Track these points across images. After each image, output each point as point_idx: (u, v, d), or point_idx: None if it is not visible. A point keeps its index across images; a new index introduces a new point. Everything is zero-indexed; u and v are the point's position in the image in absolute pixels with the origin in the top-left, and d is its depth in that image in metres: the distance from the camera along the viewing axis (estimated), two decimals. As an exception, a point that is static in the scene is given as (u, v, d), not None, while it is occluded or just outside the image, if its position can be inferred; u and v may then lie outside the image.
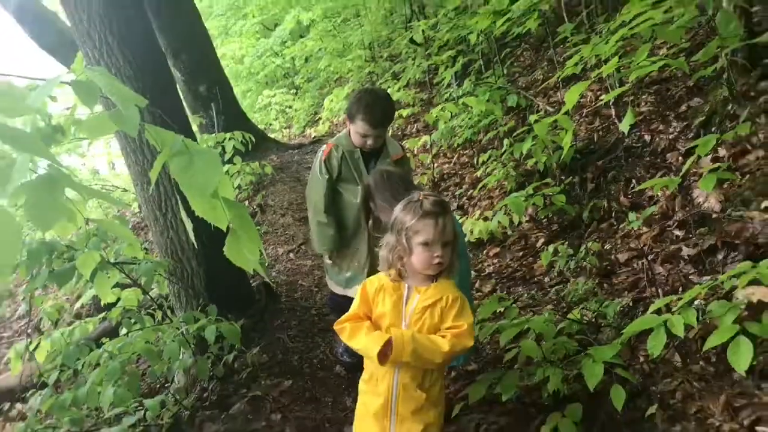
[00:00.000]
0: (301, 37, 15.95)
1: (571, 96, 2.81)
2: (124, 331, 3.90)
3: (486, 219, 5.02)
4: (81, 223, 1.85)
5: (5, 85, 1.42)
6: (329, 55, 12.65)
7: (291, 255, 5.70)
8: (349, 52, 12.57)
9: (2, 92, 1.34)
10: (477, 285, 4.53)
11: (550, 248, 4.15)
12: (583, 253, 3.99)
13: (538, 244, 4.69)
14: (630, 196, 4.40)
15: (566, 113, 3.85)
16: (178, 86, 10.68)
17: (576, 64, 3.83)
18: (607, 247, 4.10)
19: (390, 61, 11.22)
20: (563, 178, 5.09)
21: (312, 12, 13.47)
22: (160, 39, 9.37)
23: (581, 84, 3.18)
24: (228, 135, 8.20)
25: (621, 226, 4.23)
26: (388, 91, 8.39)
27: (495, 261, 4.78)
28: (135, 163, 4.01)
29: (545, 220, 4.85)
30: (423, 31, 9.30)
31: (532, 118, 5.18)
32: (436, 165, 7.12)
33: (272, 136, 14.64)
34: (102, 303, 4.98)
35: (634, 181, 4.47)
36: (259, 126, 16.16)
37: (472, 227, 4.91)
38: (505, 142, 5.86)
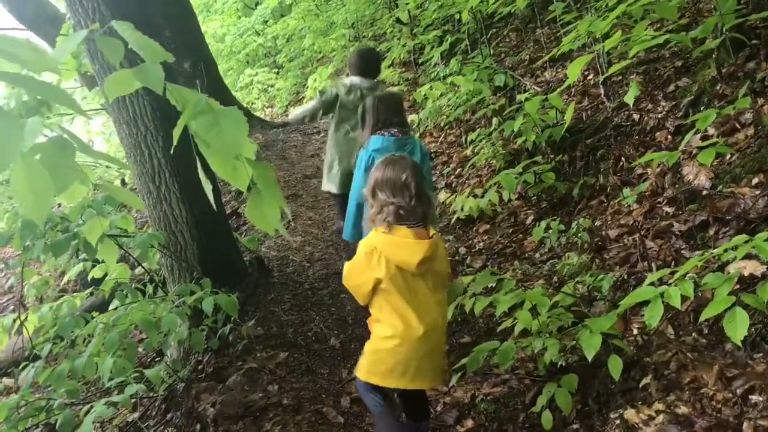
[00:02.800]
0: (283, 16, 15.80)
1: (573, 69, 2.82)
2: (114, 305, 3.87)
3: (476, 196, 5.03)
4: (91, 186, 1.83)
5: (26, 41, 1.39)
6: (313, 34, 12.55)
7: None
8: (333, 31, 12.47)
9: (25, 46, 1.31)
10: (468, 261, 4.56)
11: (542, 224, 4.17)
12: (574, 229, 4.02)
13: (528, 221, 4.72)
14: (620, 174, 4.44)
15: (567, 88, 3.84)
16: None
17: (573, 41, 3.84)
18: (598, 223, 4.13)
19: (374, 40, 11.16)
20: (552, 156, 5.12)
21: (295, -9, 13.34)
22: (147, 13, 9.25)
23: (583, 58, 3.19)
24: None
25: (611, 203, 4.26)
26: None
27: (485, 237, 4.81)
28: (129, 135, 3.95)
29: (535, 197, 4.88)
30: (409, 10, 9.25)
31: (522, 96, 5.20)
32: (423, 144, 7.10)
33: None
34: (89, 278, 4.96)
35: (623, 159, 4.51)
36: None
37: (463, 204, 4.92)
38: (494, 121, 5.87)
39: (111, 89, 1.47)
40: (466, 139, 6.38)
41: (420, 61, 9.35)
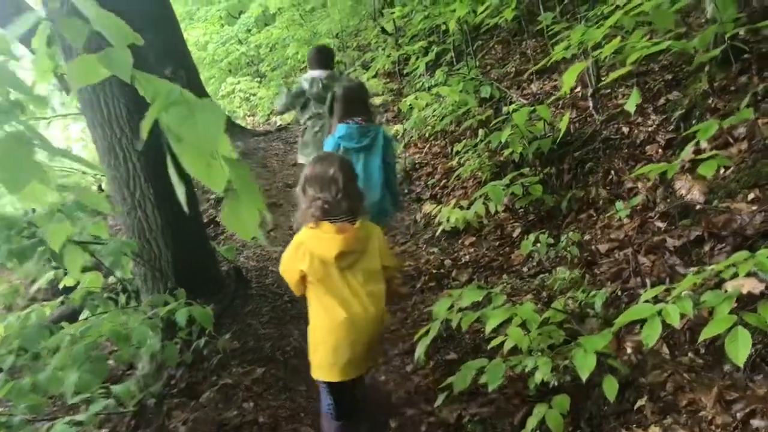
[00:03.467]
0: (267, 25, 15.68)
1: (568, 77, 2.69)
2: (84, 315, 3.67)
3: (461, 208, 4.90)
4: (54, 187, 1.67)
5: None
6: (297, 42, 12.41)
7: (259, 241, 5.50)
8: (317, 40, 12.35)
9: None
10: (453, 274, 4.42)
11: (530, 238, 4.05)
12: (563, 243, 3.89)
13: (515, 234, 4.60)
14: (609, 187, 4.34)
15: (556, 100, 3.72)
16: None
17: (565, 50, 3.73)
18: (587, 237, 4.01)
19: (359, 50, 11.05)
20: (540, 168, 5.01)
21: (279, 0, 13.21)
22: (122, 18, 8.99)
23: (578, 66, 3.07)
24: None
25: (601, 216, 4.15)
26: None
27: (471, 250, 4.68)
28: (103, 137, 3.77)
29: (522, 210, 4.76)
30: (394, 20, 9.15)
31: (510, 107, 5.09)
32: (407, 155, 6.98)
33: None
34: (60, 286, 4.74)
35: (612, 172, 4.40)
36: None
37: (449, 216, 4.79)
38: (480, 132, 5.76)
39: (75, 76, 1.31)
40: (451, 150, 6.26)
41: (405, 71, 9.25)
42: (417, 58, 8.69)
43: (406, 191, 6.24)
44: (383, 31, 9.41)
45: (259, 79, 15.31)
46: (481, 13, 5.40)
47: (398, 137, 7.04)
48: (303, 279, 2.71)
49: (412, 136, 7.29)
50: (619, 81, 5.24)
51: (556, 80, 6.08)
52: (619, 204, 3.83)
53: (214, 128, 1.27)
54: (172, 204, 3.90)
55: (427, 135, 7.16)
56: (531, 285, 3.91)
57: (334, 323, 2.65)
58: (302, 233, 2.70)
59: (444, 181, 6.00)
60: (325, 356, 2.72)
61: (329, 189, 2.64)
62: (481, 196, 4.64)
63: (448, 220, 4.82)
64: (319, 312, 2.71)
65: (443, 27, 7.94)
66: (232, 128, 9.63)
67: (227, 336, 3.74)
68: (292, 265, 2.71)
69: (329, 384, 2.80)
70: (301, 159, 5.64)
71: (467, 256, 4.60)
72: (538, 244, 4.07)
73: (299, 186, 2.77)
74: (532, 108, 4.75)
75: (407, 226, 5.46)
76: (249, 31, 16.47)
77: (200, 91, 9.38)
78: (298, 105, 5.55)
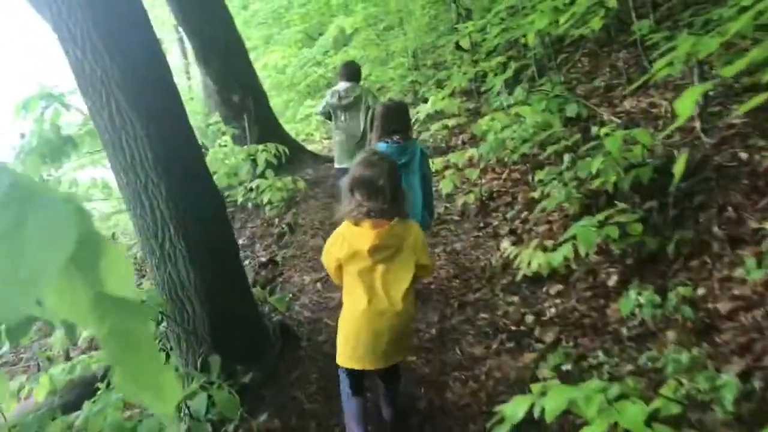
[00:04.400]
0: (345, 45, 15.33)
1: (685, 103, 2.01)
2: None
3: (545, 249, 4.18)
4: None
5: None
6: (370, 63, 11.94)
7: (318, 285, 4.93)
8: (391, 59, 11.83)
9: None
10: (536, 332, 3.69)
11: (631, 294, 3.28)
12: (673, 301, 3.12)
13: (611, 283, 3.83)
14: (726, 228, 3.53)
15: (653, 119, 2.97)
16: (209, 96, 10.19)
17: (670, 64, 2.97)
18: (701, 292, 3.22)
19: (434, 68, 10.44)
20: (638, 201, 4.23)
21: (354, 18, 12.77)
22: (191, 43, 8.83)
23: (696, 88, 2.35)
24: (260, 147, 7.52)
25: (717, 265, 3.35)
26: (431, 99, 7.64)
27: (557, 301, 3.93)
28: (127, 184, 3.29)
29: (618, 252, 3.99)
30: (470, 35, 8.47)
31: (601, 131, 4.34)
32: (483, 182, 6.29)
33: (312, 147, 14.01)
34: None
35: (730, 208, 3.59)
36: (299, 137, 15.57)
37: (531, 259, 4.07)
38: (566, 157, 5.01)
39: None
40: (533, 177, 5.52)
41: (482, 89, 8.56)
42: (495, 75, 8.01)
43: (481, 224, 5.55)
44: (458, 47, 8.74)
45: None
46: (564, 23, 4.67)
47: (474, 161, 6.33)
48: (339, 268, 2.81)
49: (489, 160, 6.58)
50: (730, 97, 4.41)
51: (652, 96, 5.26)
52: (750, 260, 3.02)
53: (49, 250, 0.66)
54: (207, 257, 3.38)
55: (506, 159, 6.45)
56: (631, 353, 3.15)
57: (357, 312, 2.74)
58: (343, 226, 2.79)
59: (525, 213, 5.27)
60: (346, 343, 2.84)
61: (376, 198, 2.70)
62: (569, 239, 3.92)
63: (529, 265, 4.10)
64: (348, 301, 2.83)
65: (522, 40, 7.23)
66: (302, 155, 9.19)
67: (265, 416, 3.15)
68: (331, 253, 2.81)
69: (347, 370, 2.93)
70: (336, 165, 6.37)
71: (553, 309, 3.85)
72: (640, 299, 3.31)
73: (347, 184, 2.81)
74: (627, 131, 4.00)
75: (482, 267, 4.76)
76: (327, 52, 16.18)
77: (268, 118, 9.00)
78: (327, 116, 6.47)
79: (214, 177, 7.62)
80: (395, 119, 4.10)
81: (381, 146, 3.97)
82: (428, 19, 11.78)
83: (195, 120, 17.96)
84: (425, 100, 9.58)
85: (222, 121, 8.77)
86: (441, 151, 8.13)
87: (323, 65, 15.95)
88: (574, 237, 3.77)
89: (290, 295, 4.75)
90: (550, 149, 5.31)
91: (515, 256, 4.25)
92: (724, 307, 3.03)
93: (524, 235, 4.98)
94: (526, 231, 5.04)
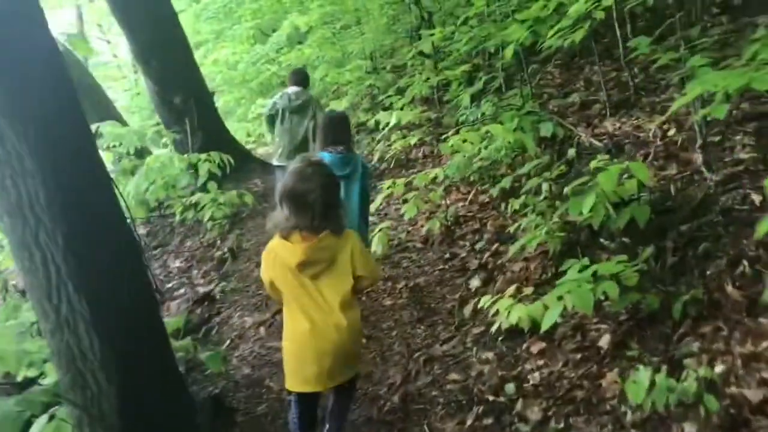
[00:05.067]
0: (300, 43, 14.59)
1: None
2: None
3: (525, 298, 3.59)
4: None
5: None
6: (326, 65, 11.23)
7: (261, 330, 4.24)
8: (349, 61, 11.14)
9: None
10: (518, 407, 3.07)
11: (641, 374, 2.69)
12: (689, 384, 2.55)
13: (603, 344, 3.24)
14: (741, 285, 2.98)
15: (643, 145, 2.39)
16: (150, 97, 9.34)
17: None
18: (720, 369, 2.66)
19: (394, 72, 9.79)
20: (627, 243, 3.68)
21: (309, 16, 12.02)
22: (127, 39, 7.99)
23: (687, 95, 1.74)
24: (203, 156, 6.77)
25: (735, 333, 2.80)
26: (395, 113, 7.17)
27: (541, 363, 3.31)
28: (12, 230, 2.55)
29: (610, 306, 3.41)
30: (433, 42, 7.84)
31: (592, 163, 3.76)
32: (448, 202, 5.68)
33: (262, 150, 13.24)
34: None
35: (745, 262, 3.04)
36: (250, 137, 14.76)
37: (509, 310, 3.46)
38: (544, 186, 4.45)
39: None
40: (505, 205, 4.94)
41: (445, 98, 7.96)
42: (459, 84, 7.41)
43: (447, 255, 4.94)
44: (421, 53, 8.09)
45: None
46: (552, 36, 4.08)
47: (438, 180, 5.68)
48: (275, 285, 2.66)
49: (453, 179, 5.96)
50: (733, 126, 3.89)
51: (638, 118, 4.72)
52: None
53: None
54: (116, 318, 2.67)
55: (471, 179, 5.86)
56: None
57: (298, 333, 2.60)
58: (274, 240, 2.63)
59: (496, 245, 4.67)
60: (291, 366, 2.69)
61: (305, 214, 2.52)
62: (551, 286, 3.33)
63: (507, 315, 3.49)
64: (288, 321, 2.69)
65: (491, 49, 6.66)
66: (250, 163, 8.45)
67: None
68: (265, 270, 2.67)
69: (298, 394, 2.75)
70: (275, 162, 6.54)
71: (536, 374, 3.24)
72: (641, 372, 2.73)
73: (278, 195, 2.62)
74: (621, 164, 3.42)
75: (450, 310, 4.15)
76: (280, 50, 15.41)
77: (213, 122, 8.22)
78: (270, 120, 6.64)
79: (150, 188, 6.90)
80: (339, 130, 4.15)
81: (325, 156, 3.89)
82: (387, 20, 11.12)
83: (140, 117, 16.94)
84: (384, 108, 8.94)
85: (163, 125, 7.97)
86: (400, 164, 7.51)
87: (276, 63, 15.20)
88: (559, 286, 3.17)
89: (228, 342, 4.06)
90: (522, 170, 4.74)
91: (490, 305, 3.63)
92: (753, 395, 2.47)
93: (496, 272, 4.38)
94: (498, 267, 4.43)
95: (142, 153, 7.99)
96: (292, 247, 2.51)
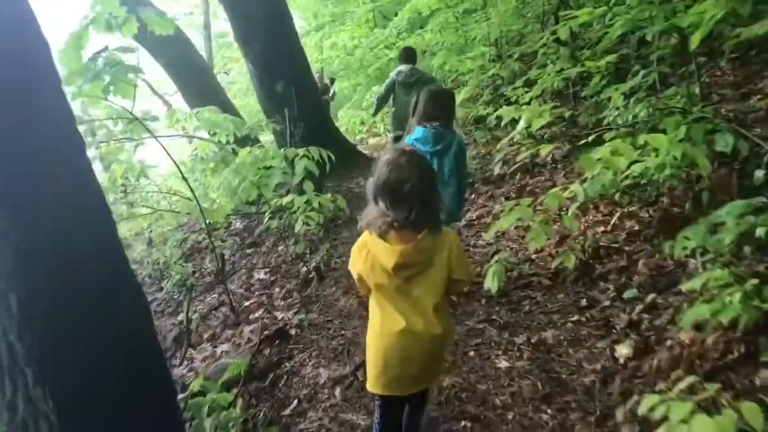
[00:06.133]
0: (421, 28, 13.60)
1: None
2: None
3: (701, 398, 2.42)
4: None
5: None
6: (445, 51, 10.13)
7: (337, 392, 3.24)
8: (470, 48, 9.98)
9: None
10: None
11: None
12: None
13: None
14: None
15: None
16: (252, 83, 8.64)
17: None
18: None
19: (521, 61, 8.56)
20: None
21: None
22: (230, 20, 7.25)
23: None
24: (300, 151, 5.89)
25: None
26: (518, 102, 6.61)
27: None
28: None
29: None
30: (571, 27, 6.56)
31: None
32: (585, 223, 4.51)
33: (374, 141, 12.38)
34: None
35: None
36: (363, 126, 13.91)
37: (685, 421, 2.30)
38: (729, 222, 3.20)
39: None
40: (663, 237, 3.72)
41: (582, 94, 6.68)
42: (602, 78, 6.13)
43: (582, 300, 3.79)
44: (557, 40, 6.83)
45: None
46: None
47: (578, 199, 4.50)
48: (363, 280, 2.41)
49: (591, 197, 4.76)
50: None
51: None
52: None
53: None
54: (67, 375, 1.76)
55: (617, 197, 4.65)
56: None
57: (386, 334, 2.37)
58: (365, 236, 2.36)
59: (654, 297, 3.48)
60: (374, 367, 2.45)
61: (401, 207, 2.25)
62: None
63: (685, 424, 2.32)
64: (375, 321, 2.44)
65: (648, 36, 5.36)
66: (355, 158, 7.53)
67: None
68: (355, 265, 2.40)
69: (382, 398, 2.56)
70: (390, 134, 7.03)
71: None
72: None
73: (371, 188, 2.34)
74: None
75: (587, 388, 3.02)
76: (400, 34, 14.47)
77: (317, 112, 7.34)
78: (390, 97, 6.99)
79: (240, 187, 6.12)
80: (438, 106, 3.90)
81: (418, 130, 3.86)
82: (516, 2, 9.88)
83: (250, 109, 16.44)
84: (508, 101, 7.76)
85: (263, 114, 7.18)
86: (524, 168, 6.35)
87: (395, 48, 14.29)
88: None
89: (294, 403, 3.13)
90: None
91: (651, 409, 2.47)
92: None
93: (653, 338, 3.20)
94: (656, 330, 3.25)
95: (245, 142, 7.25)
96: (388, 248, 2.28)
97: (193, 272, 6.87)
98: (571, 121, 6.58)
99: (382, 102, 7.12)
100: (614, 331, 3.40)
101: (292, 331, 3.90)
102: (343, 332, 3.82)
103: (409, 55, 7.03)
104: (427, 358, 2.41)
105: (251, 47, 6.78)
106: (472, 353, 3.48)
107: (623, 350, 3.19)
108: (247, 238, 7.28)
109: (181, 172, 5.13)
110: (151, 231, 8.02)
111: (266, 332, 3.92)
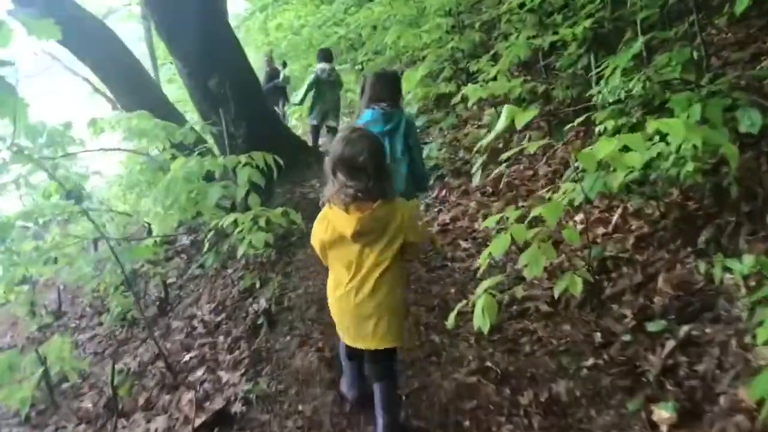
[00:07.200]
0: (370, 1, 12.65)
1: None
2: None
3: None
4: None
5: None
6: (398, 26, 9.21)
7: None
8: (425, 20, 9.04)
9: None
10: None
11: None
12: None
13: None
14: None
15: None
16: (182, 82, 7.64)
17: None
18: None
19: (482, 32, 7.68)
20: None
21: (378, -31, 10.02)
22: (148, 11, 6.26)
23: None
24: (242, 159, 4.94)
25: None
26: (483, 75, 5.89)
27: None
28: None
29: None
30: (537, -13, 5.69)
31: None
32: (592, 239, 3.70)
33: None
34: None
35: None
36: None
37: None
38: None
39: None
40: (684, 242, 2.95)
41: (556, 65, 5.86)
42: (579, 45, 5.30)
43: (598, 337, 3.00)
44: (521, 5, 5.95)
45: (360, 67, 12.18)
46: None
47: (576, 201, 3.67)
48: (325, 249, 2.60)
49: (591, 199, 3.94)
50: None
51: None
52: None
53: None
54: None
55: (623, 197, 3.87)
56: None
57: (339, 291, 2.59)
58: (326, 211, 2.55)
59: (688, 329, 2.70)
60: (335, 319, 2.71)
61: (359, 177, 2.41)
62: None
63: None
64: (333, 283, 2.65)
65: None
66: (304, 156, 6.63)
67: None
68: (316, 235, 2.60)
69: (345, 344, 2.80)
70: (309, 122, 8.61)
71: None
72: None
73: (328, 164, 2.50)
74: None
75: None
76: (347, 10, 13.51)
77: (254, 108, 6.38)
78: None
79: (174, 206, 5.21)
80: (385, 88, 3.94)
81: (366, 113, 3.88)
82: (472, -35, 8.96)
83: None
84: (471, 76, 6.91)
85: (200, 116, 6.21)
86: (496, 156, 5.51)
87: (344, 25, 13.31)
88: None
89: None
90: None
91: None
92: None
93: (699, 394, 2.42)
94: (702, 378, 2.48)
95: (187, 146, 6.26)
96: (347, 217, 2.43)
97: (138, 298, 5.95)
98: (545, 96, 5.77)
99: (305, 96, 8.41)
100: (645, 380, 2.62)
101: (237, 408, 3.05)
102: (300, 408, 2.97)
103: (326, 55, 8.40)
104: (376, 316, 2.54)
105: (178, 41, 5.80)
106: (467, 423, 2.68)
107: (663, 413, 2.41)
108: (195, 254, 6.37)
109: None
110: (96, 250, 7.08)
111: (204, 412, 3.06)
